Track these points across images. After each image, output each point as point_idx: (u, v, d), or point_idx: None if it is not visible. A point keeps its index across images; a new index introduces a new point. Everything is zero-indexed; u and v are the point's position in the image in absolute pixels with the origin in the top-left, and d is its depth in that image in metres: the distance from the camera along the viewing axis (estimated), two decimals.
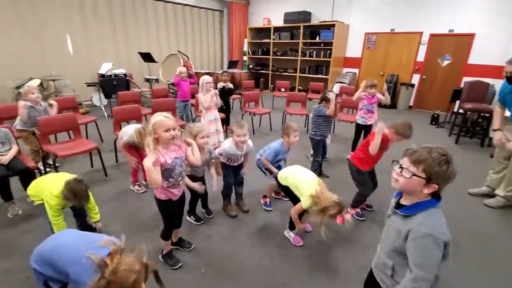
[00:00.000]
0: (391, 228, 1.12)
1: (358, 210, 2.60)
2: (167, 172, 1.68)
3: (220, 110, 4.88)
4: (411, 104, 7.51)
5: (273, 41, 9.10)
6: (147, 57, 6.80)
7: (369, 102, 3.74)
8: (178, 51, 7.66)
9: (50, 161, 3.23)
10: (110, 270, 1.06)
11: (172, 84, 7.05)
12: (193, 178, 2.23)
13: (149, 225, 2.39)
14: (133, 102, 4.38)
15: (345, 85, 7.32)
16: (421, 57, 7.12)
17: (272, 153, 2.52)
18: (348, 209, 2.59)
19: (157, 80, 6.92)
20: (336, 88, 7.34)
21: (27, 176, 2.46)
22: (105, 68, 6.03)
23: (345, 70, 8.43)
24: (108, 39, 6.90)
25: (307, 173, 2.21)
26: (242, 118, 5.13)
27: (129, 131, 2.68)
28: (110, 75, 5.95)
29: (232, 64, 8.51)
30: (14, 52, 5.51)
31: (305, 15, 8.28)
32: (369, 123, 3.76)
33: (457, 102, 5.59)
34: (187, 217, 2.47)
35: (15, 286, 1.76)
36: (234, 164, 2.49)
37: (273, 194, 2.88)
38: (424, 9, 6.77)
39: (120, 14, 6.97)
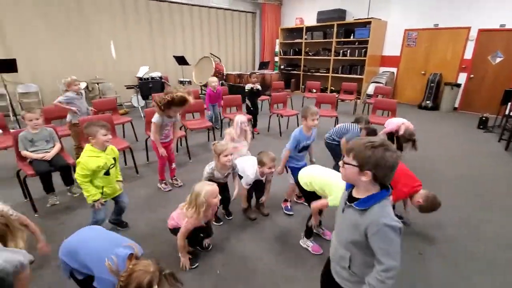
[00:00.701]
0: (347, 221, 1.15)
1: None
2: None
3: (248, 111, 4.93)
4: (456, 105, 6.88)
5: (305, 41, 8.94)
6: (181, 60, 7.09)
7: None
8: (211, 53, 7.87)
9: None
10: (127, 272, 1.13)
11: (204, 85, 7.29)
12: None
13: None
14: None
15: (381, 85, 6.94)
16: (468, 55, 6.49)
17: (292, 141, 2.46)
18: None
19: (190, 82, 7.19)
20: (371, 88, 6.99)
21: (67, 172, 2.71)
22: (143, 72, 6.40)
23: (382, 69, 7.99)
24: (147, 44, 7.33)
25: (331, 172, 2.06)
26: (269, 120, 5.12)
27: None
28: (147, 78, 6.31)
29: (263, 65, 8.53)
30: (65, 58, 6.12)
31: (340, 13, 8.01)
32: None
33: (509, 104, 5.00)
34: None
35: (51, 272, 1.93)
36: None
37: (294, 198, 2.83)
38: (472, 3, 6.16)
39: (158, 20, 7.36)
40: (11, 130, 2.92)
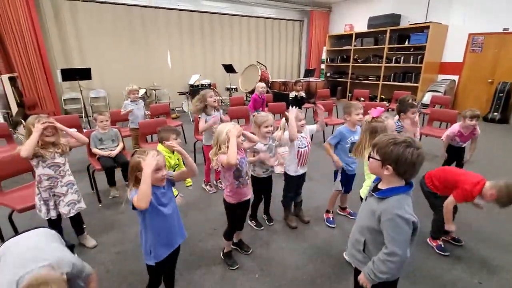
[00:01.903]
0: (366, 208, 1.25)
1: (440, 242, 2.23)
2: (237, 172, 1.83)
3: None
4: None
5: (354, 47, 8.67)
6: (229, 69, 7.41)
7: (464, 139, 3.02)
8: (257, 61, 8.09)
9: None
10: None
11: (250, 92, 7.50)
12: (257, 181, 2.35)
13: (214, 222, 2.60)
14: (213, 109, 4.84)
15: (439, 94, 6.39)
16: None
17: (335, 134, 2.38)
18: (428, 240, 2.27)
19: (236, 89, 7.46)
20: (427, 97, 6.48)
21: (127, 169, 3.02)
22: (194, 79, 6.84)
23: (441, 77, 7.34)
24: (199, 54, 7.83)
25: None
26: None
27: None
28: (198, 85, 6.73)
29: (309, 72, 8.47)
30: (129, 68, 6.85)
31: (393, 18, 7.61)
32: (463, 145, 3.10)
33: None
34: (249, 221, 2.58)
35: (110, 257, 2.16)
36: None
37: (338, 210, 2.75)
38: None
39: (209, 31, 7.83)
40: (84, 130, 3.37)
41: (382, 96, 8.14)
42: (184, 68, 7.61)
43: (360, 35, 8.52)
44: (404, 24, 7.60)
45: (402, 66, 7.67)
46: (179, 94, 6.86)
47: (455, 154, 3.14)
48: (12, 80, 5.29)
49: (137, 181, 1.40)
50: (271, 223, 2.60)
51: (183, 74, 7.53)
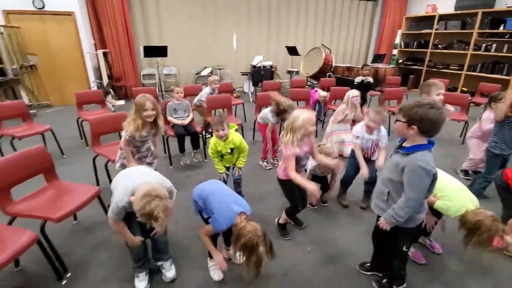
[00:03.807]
0: (391, 162, 1.44)
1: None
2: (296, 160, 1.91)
3: None
4: None
5: (436, 31, 7.70)
6: (292, 51, 7.32)
7: None
8: (322, 44, 7.81)
9: (210, 130, 4.18)
10: (240, 226, 1.38)
11: (310, 76, 7.34)
12: (313, 178, 2.45)
13: (269, 195, 2.75)
14: (274, 90, 4.92)
15: None
16: None
17: None
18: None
19: (297, 72, 7.38)
20: None
21: (196, 138, 3.35)
22: (257, 60, 6.97)
23: None
24: (263, 35, 7.88)
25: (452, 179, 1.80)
26: None
27: (267, 112, 3.11)
28: (260, 67, 6.84)
29: (378, 58, 7.88)
30: (198, 48, 7.29)
31: (487, 0, 6.51)
32: None
33: None
34: None
35: (180, 213, 2.46)
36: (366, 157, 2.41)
37: None
38: None
39: (275, 12, 7.78)
40: (161, 101, 3.78)
41: (463, 88, 7.17)
42: (248, 49, 7.77)
43: (444, 17, 7.52)
44: (500, 6, 6.44)
45: (492, 55, 6.59)
46: (242, 75, 7.09)
47: None
48: (105, 55, 6.13)
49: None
50: (325, 204, 2.63)
51: (247, 55, 7.71)
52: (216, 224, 1.51)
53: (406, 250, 1.56)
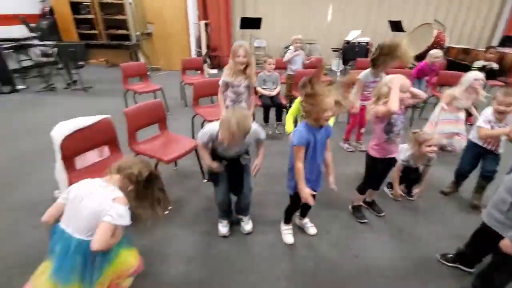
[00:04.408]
0: None
1: None
2: (389, 126, 1.80)
3: None
4: None
5: None
6: (396, 26, 6.49)
7: None
8: (435, 20, 6.65)
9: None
10: None
11: (416, 58, 6.43)
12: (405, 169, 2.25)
13: (349, 175, 2.70)
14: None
15: None
16: None
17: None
18: None
19: None
20: None
21: (280, 110, 3.44)
22: (352, 35, 6.47)
23: None
24: (363, 6, 7.17)
25: None
26: None
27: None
28: (354, 43, 6.35)
29: (507, 40, 6.33)
30: (289, 21, 7.17)
31: None
32: None
33: None
34: (385, 188, 2.50)
35: (261, 178, 2.60)
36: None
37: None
38: None
39: None
40: None
41: None
42: (344, 23, 7.25)
43: None
44: None
45: None
46: (333, 51, 6.73)
47: None
48: (206, 25, 6.66)
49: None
50: (412, 198, 2.42)
51: (341, 30, 7.21)
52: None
53: None
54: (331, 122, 1.94)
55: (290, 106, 4.05)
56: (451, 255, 1.76)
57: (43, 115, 3.99)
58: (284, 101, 3.52)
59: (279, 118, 3.58)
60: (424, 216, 2.24)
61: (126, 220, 1.16)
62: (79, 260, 1.14)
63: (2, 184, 2.43)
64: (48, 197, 2.09)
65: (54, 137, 1.73)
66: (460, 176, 2.43)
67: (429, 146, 2.04)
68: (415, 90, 1.85)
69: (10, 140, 3.24)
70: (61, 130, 1.73)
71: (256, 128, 1.65)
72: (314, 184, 1.71)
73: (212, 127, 1.62)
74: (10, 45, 4.97)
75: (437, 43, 5.99)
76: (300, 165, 1.56)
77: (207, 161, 1.72)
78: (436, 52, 4.04)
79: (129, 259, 1.33)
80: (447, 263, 1.76)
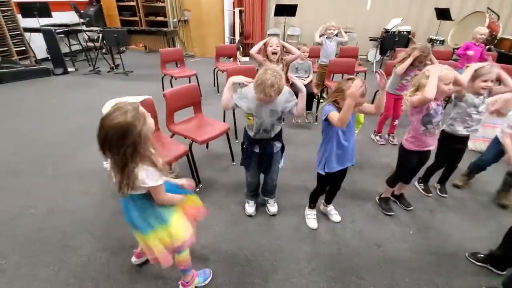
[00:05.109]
0: None
1: None
2: (427, 117, 1.75)
3: None
4: None
5: None
6: (443, 14, 6.01)
7: None
8: (488, 8, 6.06)
9: (324, 95, 4.16)
10: None
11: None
12: (449, 139, 2.10)
13: (377, 168, 2.65)
14: None
15: None
16: None
17: None
18: None
19: (442, 42, 6.12)
20: None
21: (310, 99, 3.43)
22: (393, 24, 6.12)
23: None
24: None
25: None
26: None
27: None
28: (394, 32, 6.01)
29: None
30: (325, 9, 6.92)
31: None
32: None
33: None
34: (416, 183, 2.43)
35: (287, 164, 2.68)
36: None
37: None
38: None
39: None
40: None
41: None
42: (385, 10, 6.83)
43: None
44: None
45: None
46: (370, 40, 6.44)
47: None
48: (240, 13, 6.68)
49: (336, 102, 1.58)
50: (444, 195, 2.33)
51: (381, 18, 6.82)
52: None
53: None
54: (361, 118, 1.94)
55: (321, 96, 4.03)
56: (482, 255, 1.71)
57: (91, 95, 4.35)
58: (315, 90, 3.49)
59: (309, 107, 3.56)
60: (456, 214, 2.15)
61: (152, 182, 1.14)
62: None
63: (59, 155, 2.75)
64: (97, 167, 2.32)
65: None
66: (478, 169, 2.36)
67: (484, 81, 1.89)
68: (459, 79, 1.77)
69: (65, 117, 3.61)
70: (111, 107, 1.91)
71: (288, 90, 1.72)
72: (344, 160, 1.73)
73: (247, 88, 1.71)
74: (62, 30, 5.42)
75: (489, 34, 5.47)
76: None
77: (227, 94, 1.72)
78: (481, 28, 3.78)
79: (180, 232, 1.30)
80: (477, 262, 1.71)
